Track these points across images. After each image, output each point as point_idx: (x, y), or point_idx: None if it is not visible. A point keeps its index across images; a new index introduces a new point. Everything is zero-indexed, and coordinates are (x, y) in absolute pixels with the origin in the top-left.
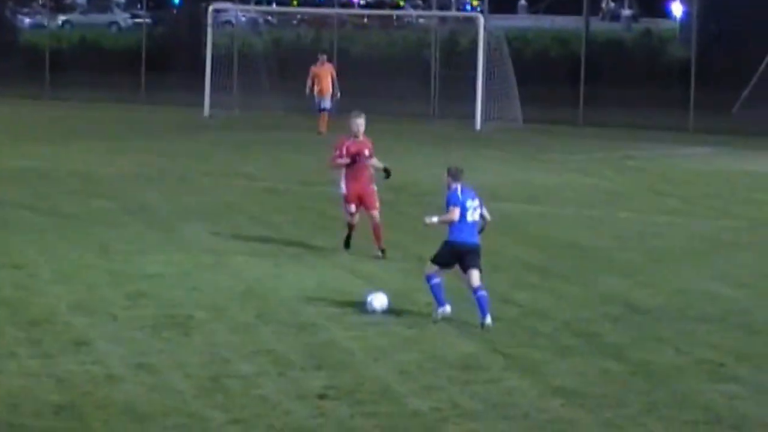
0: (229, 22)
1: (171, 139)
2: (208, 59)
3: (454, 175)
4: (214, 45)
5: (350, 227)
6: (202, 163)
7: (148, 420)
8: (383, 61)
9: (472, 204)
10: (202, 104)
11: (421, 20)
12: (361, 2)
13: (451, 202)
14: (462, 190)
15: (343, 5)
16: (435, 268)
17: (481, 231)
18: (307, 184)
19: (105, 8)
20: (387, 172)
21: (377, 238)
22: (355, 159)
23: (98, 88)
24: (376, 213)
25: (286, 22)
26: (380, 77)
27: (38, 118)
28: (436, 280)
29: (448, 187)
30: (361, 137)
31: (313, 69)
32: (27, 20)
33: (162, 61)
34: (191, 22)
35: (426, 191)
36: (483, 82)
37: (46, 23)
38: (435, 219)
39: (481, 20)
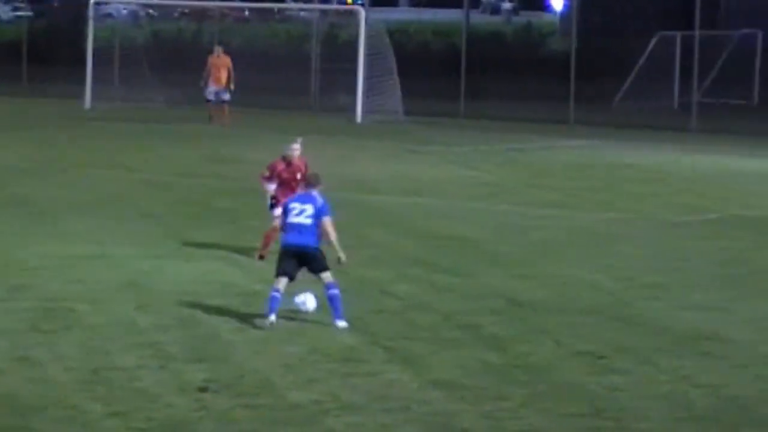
0: (110, 14)
1: (52, 131)
2: (89, 52)
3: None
4: (95, 38)
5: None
6: (83, 154)
7: (30, 413)
8: (264, 55)
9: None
10: (83, 97)
11: (302, 13)
12: None
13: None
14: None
15: None
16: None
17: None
18: (190, 176)
19: None
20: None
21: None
22: (287, 182)
23: None
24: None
25: (167, 15)
26: (262, 70)
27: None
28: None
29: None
30: (295, 161)
31: (211, 59)
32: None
33: (43, 54)
34: (73, 15)
35: None
36: (363, 75)
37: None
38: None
39: (362, 13)
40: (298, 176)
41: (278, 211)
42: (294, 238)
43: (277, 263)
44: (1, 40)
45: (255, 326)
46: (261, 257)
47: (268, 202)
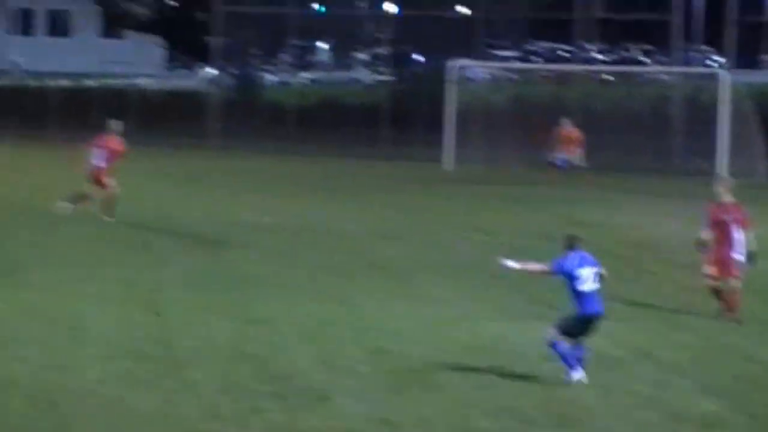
0: (470, 78)
1: (411, 193)
2: (451, 114)
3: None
4: (456, 101)
5: (715, 292)
6: (442, 217)
7: None
8: (626, 117)
9: (587, 272)
10: (443, 159)
11: (664, 76)
12: (603, 58)
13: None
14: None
15: (585, 61)
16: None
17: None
18: (548, 239)
19: (348, 66)
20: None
21: (731, 308)
22: (721, 226)
23: (340, 144)
24: (732, 281)
25: (529, 78)
26: (623, 132)
27: (282, 174)
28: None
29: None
30: (726, 201)
31: (559, 131)
32: (272, 77)
33: (403, 118)
34: (434, 79)
35: (668, 248)
36: (725, 137)
37: (290, 80)
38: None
39: (725, 76)
40: (730, 218)
41: (712, 270)
42: (596, 307)
43: (572, 326)
44: (362, 104)
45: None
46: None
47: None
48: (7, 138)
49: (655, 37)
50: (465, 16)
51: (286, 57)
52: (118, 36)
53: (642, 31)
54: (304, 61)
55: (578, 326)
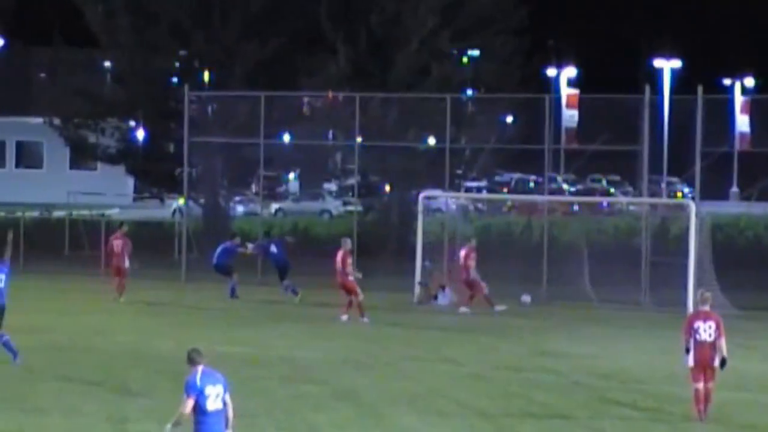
0: (438, 209)
1: (378, 323)
2: (418, 245)
3: (192, 358)
4: (423, 231)
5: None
6: (409, 347)
7: None
8: (593, 248)
9: (214, 390)
10: (410, 289)
11: (631, 207)
12: (571, 189)
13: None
14: (203, 374)
15: (552, 192)
16: None
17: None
18: (514, 369)
19: (317, 196)
20: (723, 363)
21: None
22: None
23: (308, 275)
24: (711, 385)
25: (496, 209)
26: (590, 264)
27: (249, 305)
28: None
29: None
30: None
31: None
32: (240, 208)
33: (371, 247)
34: (401, 209)
35: (636, 378)
36: (694, 269)
37: (259, 211)
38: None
39: (693, 207)
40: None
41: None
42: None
43: None
44: (332, 234)
45: None
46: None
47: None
48: None
49: (623, 168)
50: (434, 146)
51: (254, 187)
52: (88, 167)
53: (610, 162)
54: (272, 192)
55: None
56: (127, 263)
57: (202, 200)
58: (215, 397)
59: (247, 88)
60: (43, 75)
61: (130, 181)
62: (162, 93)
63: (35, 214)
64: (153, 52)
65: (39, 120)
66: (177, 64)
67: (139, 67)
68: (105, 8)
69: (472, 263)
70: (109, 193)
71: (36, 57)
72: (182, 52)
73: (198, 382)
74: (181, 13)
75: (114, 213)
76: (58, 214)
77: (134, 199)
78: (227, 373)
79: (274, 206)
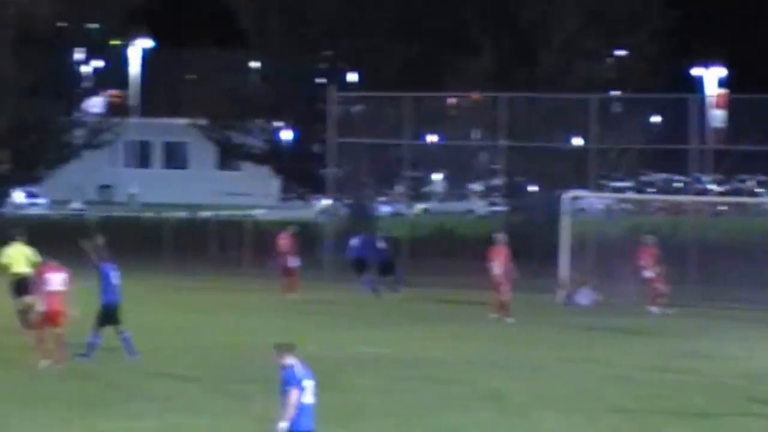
0: (583, 209)
1: (522, 324)
2: (563, 245)
3: (286, 350)
4: (569, 232)
5: None
6: (553, 348)
7: None
8: (741, 249)
9: (309, 383)
10: (555, 290)
11: None
12: (719, 189)
13: (288, 381)
14: (299, 367)
15: (698, 193)
16: None
17: None
18: (660, 370)
19: (462, 196)
20: None
21: None
22: None
23: (453, 275)
24: None
25: (643, 209)
26: (736, 264)
27: (394, 305)
28: None
29: (282, 365)
30: None
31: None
32: (385, 208)
33: (516, 248)
34: (546, 210)
35: None
36: None
37: (404, 211)
38: (282, 424)
39: None
40: None
41: None
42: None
43: None
44: (476, 235)
45: None
46: None
47: None
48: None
49: None
50: (579, 147)
51: (399, 187)
52: (234, 168)
53: (761, 163)
54: (418, 192)
55: None
56: (293, 262)
57: (347, 200)
58: (309, 391)
59: (393, 89)
60: (191, 76)
61: (276, 182)
62: (309, 94)
63: (182, 214)
64: (302, 53)
65: (186, 121)
66: (324, 65)
67: (288, 68)
68: (257, 9)
69: (649, 261)
70: (255, 193)
71: (184, 58)
72: (329, 53)
73: (297, 375)
74: (331, 14)
75: (259, 213)
76: (204, 214)
77: (280, 200)
78: (372, 374)
79: (420, 206)
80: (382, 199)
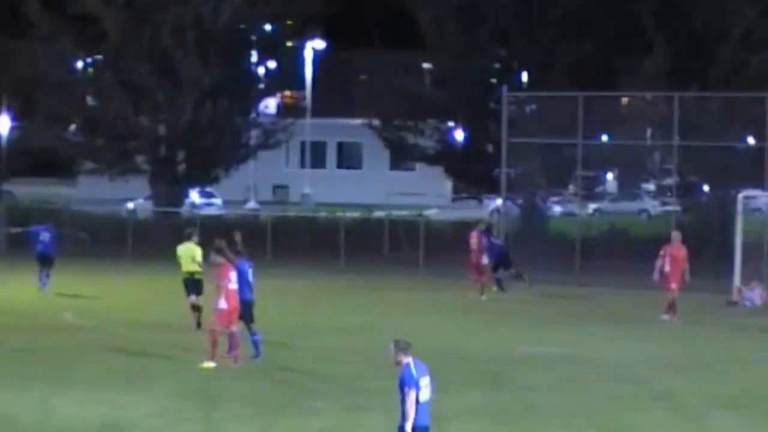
0: (758, 209)
1: (695, 324)
2: (737, 245)
3: (404, 348)
4: (743, 232)
5: None
6: (726, 349)
7: None
8: None
9: (425, 381)
10: (729, 291)
11: None
12: None
13: (405, 380)
14: (415, 365)
15: None
16: None
17: None
18: None
19: (635, 196)
20: None
21: None
22: None
23: (626, 275)
24: None
25: None
26: None
27: (566, 305)
28: None
29: (398, 363)
30: None
31: None
32: (557, 208)
33: (690, 247)
34: (720, 209)
35: None
36: None
37: (576, 211)
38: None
39: None
40: None
41: None
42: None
43: None
44: (649, 235)
45: None
46: None
47: None
48: (301, 268)
49: None
50: (754, 145)
51: (571, 187)
52: (406, 168)
53: None
54: (590, 192)
55: None
56: (485, 260)
57: (519, 200)
58: (426, 388)
59: (566, 89)
60: (363, 77)
61: (448, 182)
62: (481, 94)
63: (355, 214)
64: (477, 54)
65: (359, 121)
66: (496, 65)
67: (462, 69)
68: (436, 11)
69: None
70: (428, 193)
71: (357, 59)
72: (502, 53)
73: (414, 374)
74: (506, 14)
75: (432, 213)
76: (377, 214)
77: (452, 200)
78: (543, 372)
79: (592, 206)
80: (554, 198)
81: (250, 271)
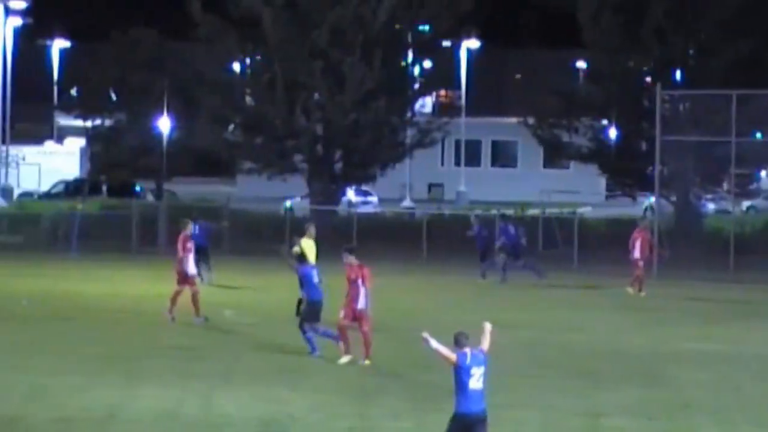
0: None
1: None
2: None
3: (460, 341)
4: None
5: None
6: None
7: None
8: None
9: (478, 371)
10: None
11: None
12: None
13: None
14: (472, 355)
15: None
16: None
17: None
18: None
19: None
20: None
21: None
22: None
23: None
24: None
25: None
26: None
27: (721, 302)
28: None
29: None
30: None
31: None
32: (711, 205)
33: None
34: None
35: None
36: None
37: (731, 209)
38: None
39: None
40: None
41: None
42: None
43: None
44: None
45: None
46: None
47: None
48: (458, 266)
49: None
50: None
51: (725, 185)
52: (561, 166)
53: None
54: (744, 189)
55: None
56: (637, 254)
57: (673, 198)
58: (478, 378)
59: (720, 87)
60: (518, 76)
61: (602, 180)
62: (636, 92)
63: (509, 212)
64: (634, 52)
65: (514, 120)
66: (651, 63)
67: (618, 66)
68: (595, 9)
69: None
70: (583, 191)
71: (511, 58)
72: (658, 51)
73: (468, 360)
74: (663, 12)
75: (586, 211)
76: (531, 211)
77: (606, 197)
78: (699, 369)
79: (746, 204)
80: (708, 196)
81: (314, 272)
